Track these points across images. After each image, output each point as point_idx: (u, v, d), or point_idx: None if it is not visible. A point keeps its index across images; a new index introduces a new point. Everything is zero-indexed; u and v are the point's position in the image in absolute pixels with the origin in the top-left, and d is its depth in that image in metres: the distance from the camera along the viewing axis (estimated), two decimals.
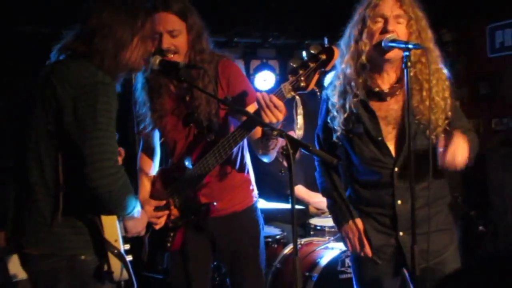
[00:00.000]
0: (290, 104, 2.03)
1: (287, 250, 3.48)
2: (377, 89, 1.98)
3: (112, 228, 1.80)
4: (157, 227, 2.28)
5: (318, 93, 1.96)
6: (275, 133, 1.76)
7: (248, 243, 2.37)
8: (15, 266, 3.33)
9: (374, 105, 1.98)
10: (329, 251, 3.31)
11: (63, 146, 1.75)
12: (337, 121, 2.01)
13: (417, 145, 1.91)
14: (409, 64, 1.79)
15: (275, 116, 1.88)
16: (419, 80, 1.93)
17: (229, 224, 2.33)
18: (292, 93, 1.89)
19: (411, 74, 1.92)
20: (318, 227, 3.81)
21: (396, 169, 1.95)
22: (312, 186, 3.89)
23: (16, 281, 3.27)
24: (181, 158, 2.27)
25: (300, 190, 4.12)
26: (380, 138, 1.95)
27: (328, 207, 2.27)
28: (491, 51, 4.91)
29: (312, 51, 1.83)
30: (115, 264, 1.80)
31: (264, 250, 2.46)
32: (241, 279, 2.38)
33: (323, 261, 3.19)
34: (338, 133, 2.02)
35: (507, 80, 4.79)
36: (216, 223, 2.33)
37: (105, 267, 1.78)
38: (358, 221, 2.06)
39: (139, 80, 2.28)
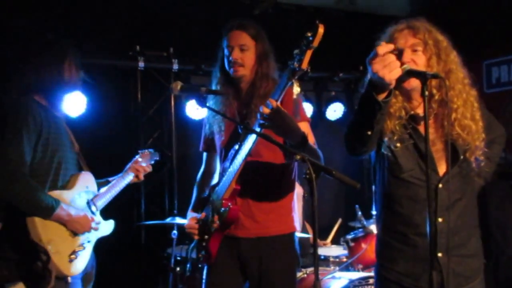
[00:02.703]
0: None
1: None
2: (412, 112, 1.99)
3: (34, 229, 2.07)
4: (195, 237, 2.38)
5: (309, 71, 1.97)
6: (297, 157, 1.76)
7: (279, 275, 2.29)
8: None
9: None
10: (336, 280, 3.25)
11: None
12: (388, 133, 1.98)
13: (465, 165, 1.94)
14: (426, 93, 1.81)
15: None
16: (445, 103, 1.91)
17: (259, 248, 2.29)
18: (292, 79, 1.95)
19: (436, 97, 1.94)
20: (322, 257, 3.75)
21: (440, 185, 1.92)
22: None
23: None
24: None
25: None
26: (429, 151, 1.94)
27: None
28: (487, 87, 5.03)
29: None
30: (47, 262, 2.06)
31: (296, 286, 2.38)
32: None
33: None
34: (387, 142, 1.97)
35: (503, 115, 4.88)
36: (247, 244, 2.30)
37: (37, 265, 2.03)
38: None
39: (210, 99, 2.41)
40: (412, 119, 1.98)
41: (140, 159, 2.72)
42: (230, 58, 2.29)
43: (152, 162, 2.83)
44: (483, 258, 2.03)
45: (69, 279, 2.16)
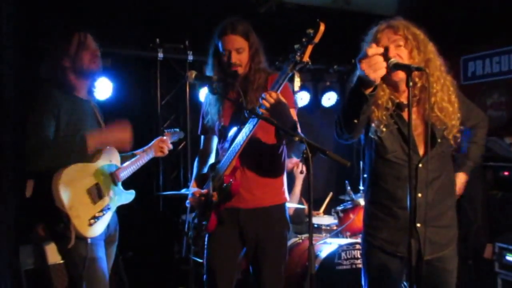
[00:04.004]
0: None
1: (288, 243, 3.44)
2: (397, 101, 1.97)
3: (58, 197, 2.09)
4: (198, 208, 2.36)
5: (309, 63, 1.94)
6: (296, 139, 1.74)
7: (272, 241, 2.30)
8: (51, 252, 3.30)
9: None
10: (328, 245, 3.27)
11: None
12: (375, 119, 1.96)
13: (443, 147, 1.92)
14: (410, 83, 1.79)
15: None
16: (426, 89, 1.90)
17: (256, 218, 2.29)
18: (293, 70, 1.93)
19: (419, 85, 1.92)
20: (316, 225, 3.77)
21: (420, 165, 1.91)
22: None
23: (52, 265, 3.25)
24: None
25: None
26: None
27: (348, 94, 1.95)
28: (464, 79, 4.97)
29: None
30: (68, 224, 2.09)
31: (287, 251, 2.39)
32: (260, 275, 2.31)
33: (323, 254, 3.15)
34: (374, 128, 1.96)
35: (478, 104, 4.82)
36: (246, 214, 2.29)
37: (60, 227, 2.10)
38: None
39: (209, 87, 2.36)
40: (397, 107, 1.96)
41: (165, 138, 2.75)
42: (230, 61, 2.24)
43: (175, 139, 2.85)
44: (457, 229, 2.02)
45: (89, 240, 2.18)
